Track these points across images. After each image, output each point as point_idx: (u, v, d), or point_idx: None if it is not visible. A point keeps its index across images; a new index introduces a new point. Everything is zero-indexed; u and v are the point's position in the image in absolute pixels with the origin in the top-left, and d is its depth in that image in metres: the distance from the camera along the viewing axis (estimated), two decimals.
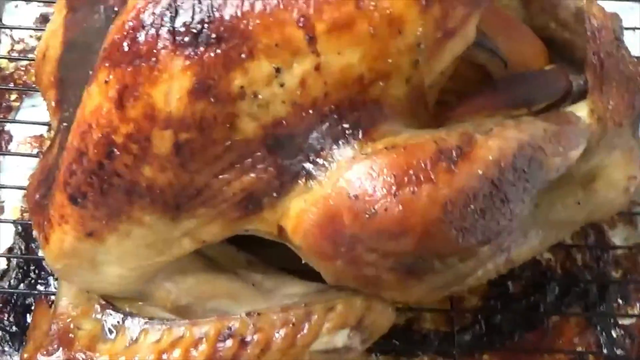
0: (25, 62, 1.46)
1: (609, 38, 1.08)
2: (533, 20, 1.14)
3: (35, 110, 1.40)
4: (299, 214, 0.90)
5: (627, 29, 1.29)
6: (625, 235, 1.32)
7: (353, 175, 0.88)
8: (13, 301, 1.27)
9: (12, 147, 1.40)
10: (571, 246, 1.29)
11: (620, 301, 1.26)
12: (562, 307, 1.25)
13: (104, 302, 1.02)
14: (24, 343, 1.21)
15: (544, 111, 1.04)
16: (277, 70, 0.86)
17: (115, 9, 0.91)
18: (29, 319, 1.24)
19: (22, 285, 1.28)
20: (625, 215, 1.32)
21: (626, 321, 1.25)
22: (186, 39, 0.85)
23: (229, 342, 0.97)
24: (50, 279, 1.27)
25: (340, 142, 0.90)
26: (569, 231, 1.14)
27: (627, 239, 1.32)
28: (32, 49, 1.45)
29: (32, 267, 1.29)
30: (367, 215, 0.87)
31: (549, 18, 1.14)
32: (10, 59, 1.46)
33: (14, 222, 1.32)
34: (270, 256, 1.06)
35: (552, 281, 1.25)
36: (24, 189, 1.09)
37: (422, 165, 0.88)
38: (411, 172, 0.88)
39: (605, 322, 1.24)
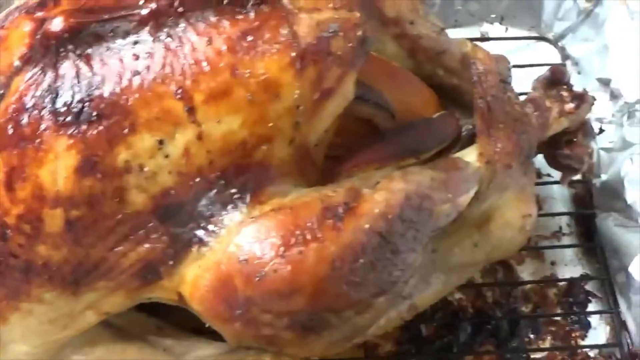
0: None
1: (494, 81, 1.12)
2: (421, 69, 1.17)
3: None
4: (194, 280, 0.92)
5: (521, 66, 1.34)
6: (534, 270, 1.34)
7: (242, 240, 0.90)
8: None
9: None
10: (481, 285, 1.31)
11: (531, 335, 1.28)
12: (474, 346, 1.26)
13: None
14: None
15: (434, 158, 1.07)
16: (160, 142, 0.88)
17: (1, 91, 0.91)
18: None
19: None
20: (532, 250, 1.35)
21: (538, 355, 1.26)
22: (68, 118, 0.87)
23: None
24: None
25: (229, 208, 0.92)
26: (471, 272, 1.16)
27: (535, 273, 1.34)
28: None
29: None
30: (257, 278, 0.88)
31: (436, 66, 1.17)
32: None
33: None
34: (182, 319, 1.07)
35: (464, 321, 1.27)
36: None
37: (309, 224, 0.90)
38: (298, 232, 0.89)
39: (517, 357, 1.26)
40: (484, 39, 1.52)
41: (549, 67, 1.44)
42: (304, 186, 0.97)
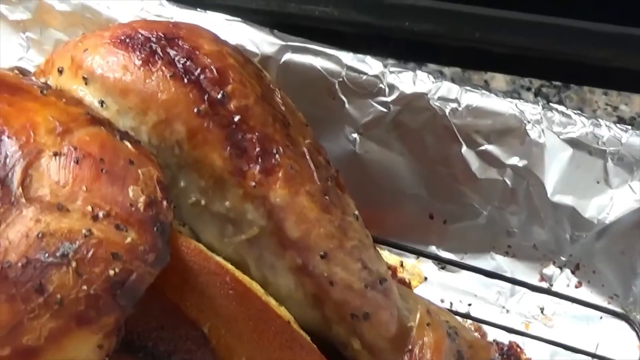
0: None
1: None
2: (328, 329, 0.74)
3: None
4: None
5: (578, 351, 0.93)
6: None
7: None
8: None
9: None
10: None
11: None
12: None
13: None
14: None
15: None
16: None
17: None
18: None
19: None
20: None
21: None
22: None
23: None
24: None
25: None
26: None
27: None
28: None
29: None
30: None
31: (350, 334, 0.73)
32: None
33: None
34: None
35: None
36: None
37: None
38: None
39: None
40: (540, 289, 1.03)
41: None
42: None
